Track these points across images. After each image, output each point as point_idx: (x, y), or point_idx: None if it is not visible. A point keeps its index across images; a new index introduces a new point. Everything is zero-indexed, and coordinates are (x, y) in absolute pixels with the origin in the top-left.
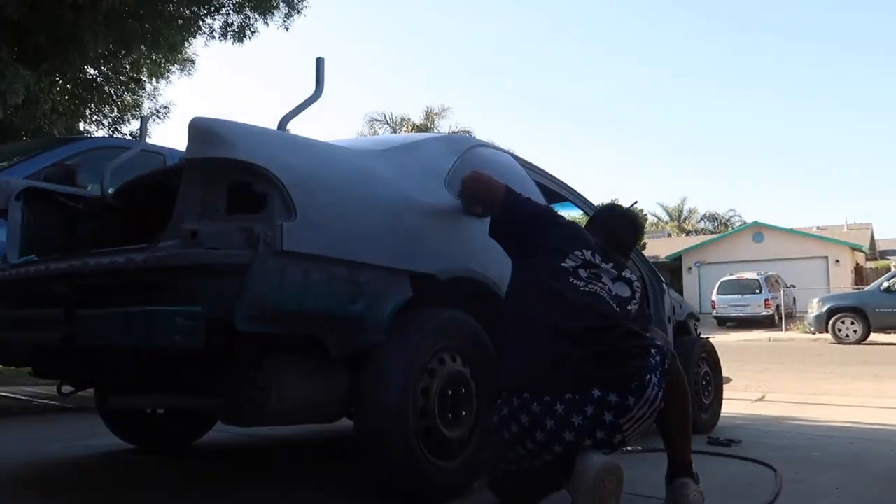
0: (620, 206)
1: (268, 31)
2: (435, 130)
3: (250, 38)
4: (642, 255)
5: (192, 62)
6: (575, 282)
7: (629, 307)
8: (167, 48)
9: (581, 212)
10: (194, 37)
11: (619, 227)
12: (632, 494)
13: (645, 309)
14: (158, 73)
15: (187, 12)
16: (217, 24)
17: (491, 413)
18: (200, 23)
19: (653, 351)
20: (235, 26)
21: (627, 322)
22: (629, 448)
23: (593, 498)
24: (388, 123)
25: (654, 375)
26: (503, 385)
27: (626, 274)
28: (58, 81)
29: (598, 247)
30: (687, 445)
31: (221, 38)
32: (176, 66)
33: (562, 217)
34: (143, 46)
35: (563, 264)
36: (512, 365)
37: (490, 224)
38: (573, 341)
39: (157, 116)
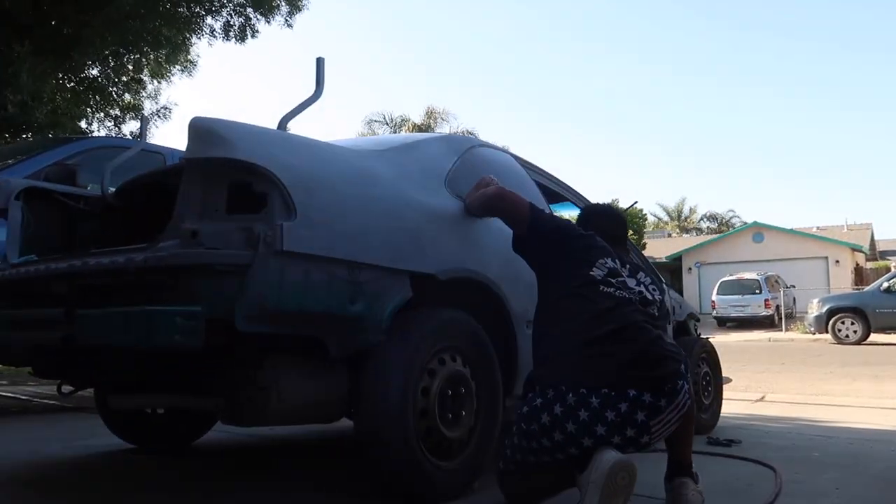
0: (599, 205)
1: (269, 30)
2: (437, 130)
3: (252, 36)
4: (642, 255)
5: (194, 63)
6: (606, 290)
7: (652, 309)
8: (169, 48)
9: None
10: (197, 37)
11: (609, 226)
12: (633, 495)
13: (666, 307)
14: (160, 73)
15: (187, 12)
16: (218, 25)
17: (521, 403)
18: (201, 23)
19: (682, 357)
20: (237, 26)
21: (656, 323)
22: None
23: (604, 491)
24: (387, 124)
25: (685, 382)
26: (538, 378)
27: (642, 277)
28: (60, 80)
29: (615, 254)
30: (689, 447)
31: (224, 38)
32: (177, 66)
33: (580, 229)
34: (145, 47)
35: (591, 273)
36: (549, 361)
37: (514, 240)
38: (612, 341)
39: (158, 116)
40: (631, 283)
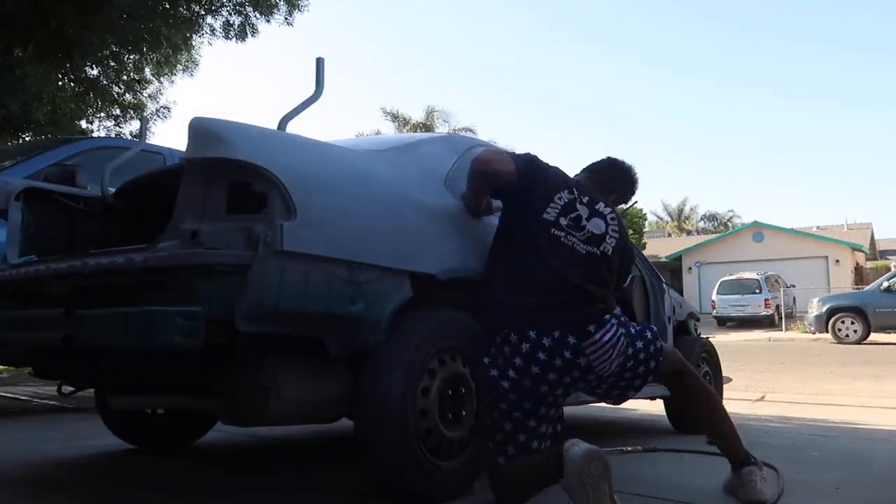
0: (622, 163)
1: (270, 29)
2: (438, 129)
3: (252, 35)
4: (642, 255)
5: (195, 63)
6: (556, 233)
7: (604, 246)
8: (168, 48)
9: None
10: (198, 36)
11: (619, 183)
12: (630, 494)
13: (626, 242)
14: (160, 72)
15: (186, 12)
16: (218, 24)
17: (480, 373)
18: (201, 22)
19: (625, 321)
20: (236, 26)
21: (604, 265)
22: (629, 448)
23: (585, 485)
24: (395, 120)
25: (614, 325)
26: (491, 328)
27: (600, 207)
28: (60, 81)
29: (575, 184)
30: (731, 443)
31: (224, 38)
32: (178, 65)
33: (541, 161)
34: (145, 47)
35: (545, 216)
36: (498, 308)
37: (504, 196)
38: (549, 291)
39: (158, 116)
40: (584, 218)
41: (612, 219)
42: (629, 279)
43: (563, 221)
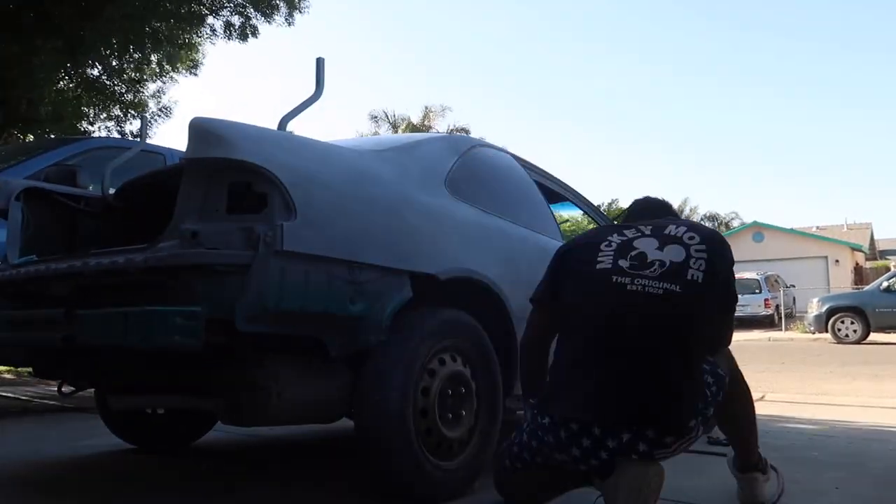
0: (642, 200)
1: (270, 30)
2: (433, 129)
3: (254, 35)
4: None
5: (197, 63)
6: (619, 280)
7: (689, 273)
8: (170, 48)
9: (581, 212)
10: (199, 36)
11: (649, 208)
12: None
13: (721, 254)
14: (162, 72)
15: (187, 12)
16: (219, 24)
17: (526, 414)
18: (202, 23)
19: (710, 381)
20: (237, 26)
21: (696, 301)
22: None
23: (639, 490)
24: (389, 122)
25: (699, 419)
26: (541, 406)
27: (672, 231)
28: (62, 79)
29: (625, 224)
30: (750, 444)
31: (225, 38)
32: (180, 65)
33: (568, 243)
34: (147, 47)
35: (598, 267)
36: (551, 389)
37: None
38: (621, 368)
39: (160, 115)
40: (651, 250)
41: (692, 237)
42: None
43: (624, 264)
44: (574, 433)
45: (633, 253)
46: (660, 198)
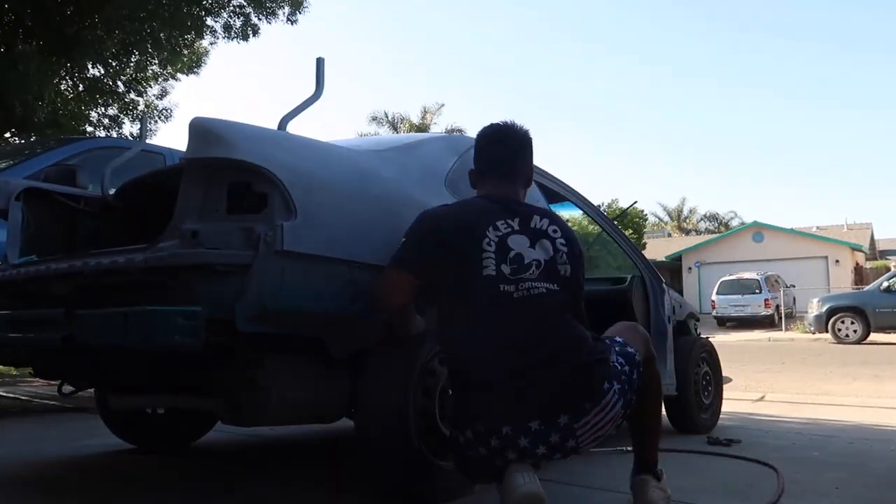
0: (483, 128)
1: (271, 30)
2: (432, 128)
3: (254, 34)
4: (642, 254)
5: (197, 63)
6: (505, 288)
7: (560, 269)
8: (170, 49)
9: (581, 212)
10: (199, 37)
11: (484, 151)
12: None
13: (578, 252)
14: (162, 73)
15: (187, 14)
16: (219, 26)
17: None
18: (202, 24)
19: (616, 358)
20: (237, 26)
21: (576, 293)
22: (629, 448)
23: None
24: (388, 122)
25: (614, 382)
26: (464, 424)
27: (537, 224)
28: (61, 80)
29: (491, 209)
30: (655, 446)
31: (226, 38)
32: (179, 65)
33: (440, 217)
34: (146, 47)
35: (485, 273)
36: (472, 407)
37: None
38: (531, 372)
39: (159, 117)
40: (524, 249)
41: (555, 231)
42: (629, 279)
43: (506, 269)
44: (505, 437)
45: (511, 255)
46: (503, 135)
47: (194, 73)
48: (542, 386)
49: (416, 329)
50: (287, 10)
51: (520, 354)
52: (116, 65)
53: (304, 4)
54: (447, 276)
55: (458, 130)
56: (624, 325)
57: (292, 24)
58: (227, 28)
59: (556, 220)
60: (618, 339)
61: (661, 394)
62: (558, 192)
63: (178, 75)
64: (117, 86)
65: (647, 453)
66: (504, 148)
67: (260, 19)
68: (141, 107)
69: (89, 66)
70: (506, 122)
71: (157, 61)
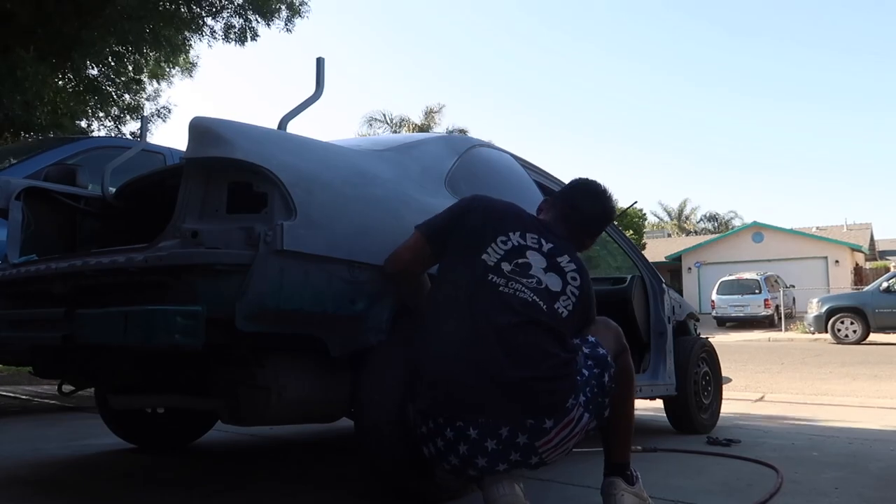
0: (586, 179)
1: (270, 33)
2: (434, 129)
3: (252, 39)
4: (642, 255)
5: (194, 64)
6: (494, 279)
7: (557, 305)
8: (169, 49)
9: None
10: (198, 38)
11: (578, 197)
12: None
13: (585, 309)
14: (160, 73)
15: (187, 14)
16: (219, 27)
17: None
18: (202, 24)
19: (585, 363)
20: (237, 28)
21: (555, 325)
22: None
23: None
24: (387, 123)
25: (579, 396)
26: (423, 410)
27: (563, 262)
28: (60, 81)
29: (534, 224)
30: (624, 445)
31: (224, 41)
32: (177, 66)
33: (483, 199)
34: (145, 48)
35: (482, 257)
36: (427, 387)
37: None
38: (491, 367)
39: (158, 116)
40: (536, 266)
41: (574, 278)
42: (629, 279)
43: (506, 267)
44: (450, 441)
45: (519, 261)
46: (594, 184)
47: (188, 74)
48: (501, 389)
49: (418, 300)
50: (285, 13)
51: (487, 349)
52: (116, 65)
53: (303, 10)
54: (453, 249)
55: (462, 131)
56: (595, 322)
57: (289, 31)
58: (227, 29)
59: (581, 271)
60: (590, 338)
61: (633, 389)
62: None
63: (174, 77)
64: (116, 86)
65: (616, 453)
66: (600, 209)
67: (258, 22)
68: (141, 105)
69: (88, 65)
70: (607, 191)
71: (154, 60)
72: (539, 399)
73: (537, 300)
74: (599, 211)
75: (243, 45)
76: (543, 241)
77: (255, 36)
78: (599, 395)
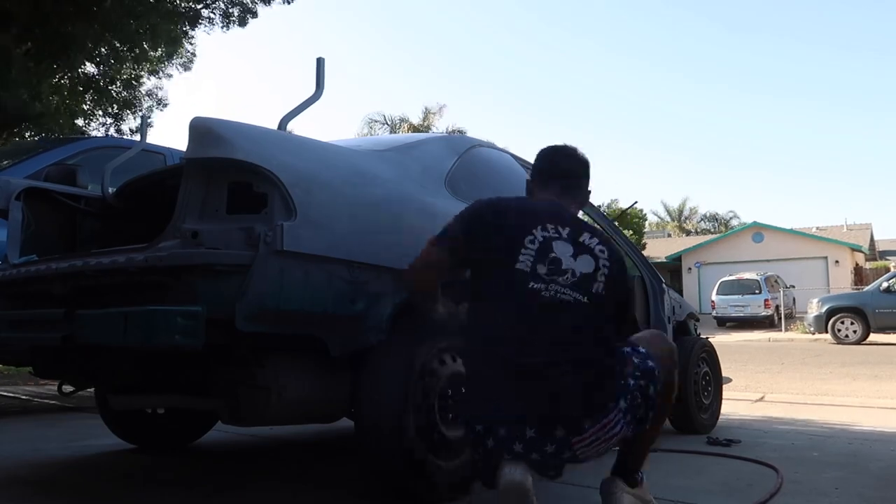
0: (548, 146)
1: (269, 27)
2: (433, 129)
3: (254, 17)
4: (642, 255)
5: (192, 56)
6: (534, 286)
7: (595, 287)
8: (166, 43)
9: (580, 211)
10: (194, 27)
11: (556, 157)
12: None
13: (621, 279)
14: (157, 68)
15: (184, 7)
16: (217, 15)
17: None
18: (199, 16)
19: (632, 372)
20: (235, 15)
21: (600, 311)
22: None
23: None
24: (387, 124)
25: (619, 401)
26: (466, 413)
27: (586, 240)
28: (57, 78)
29: (546, 211)
30: (642, 456)
31: (223, 27)
32: (175, 58)
33: (495, 204)
34: (144, 43)
35: (517, 267)
36: (474, 389)
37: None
38: (539, 379)
39: (156, 107)
40: (566, 259)
41: (602, 251)
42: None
43: (541, 269)
44: (500, 439)
45: (550, 256)
46: (573, 153)
47: (186, 68)
48: (544, 392)
49: (436, 312)
50: None
51: (531, 354)
52: (113, 62)
53: None
54: (482, 263)
55: (460, 131)
56: (651, 334)
57: (288, 3)
58: (225, 16)
59: (606, 241)
60: (641, 349)
61: (670, 408)
62: None
63: (172, 70)
64: (114, 83)
65: (631, 460)
66: (575, 162)
67: (256, 3)
68: (140, 100)
69: (85, 63)
70: (573, 145)
71: (150, 56)
72: (582, 397)
73: (578, 296)
74: (576, 160)
75: (244, 26)
76: (560, 228)
77: (254, 16)
78: (641, 406)
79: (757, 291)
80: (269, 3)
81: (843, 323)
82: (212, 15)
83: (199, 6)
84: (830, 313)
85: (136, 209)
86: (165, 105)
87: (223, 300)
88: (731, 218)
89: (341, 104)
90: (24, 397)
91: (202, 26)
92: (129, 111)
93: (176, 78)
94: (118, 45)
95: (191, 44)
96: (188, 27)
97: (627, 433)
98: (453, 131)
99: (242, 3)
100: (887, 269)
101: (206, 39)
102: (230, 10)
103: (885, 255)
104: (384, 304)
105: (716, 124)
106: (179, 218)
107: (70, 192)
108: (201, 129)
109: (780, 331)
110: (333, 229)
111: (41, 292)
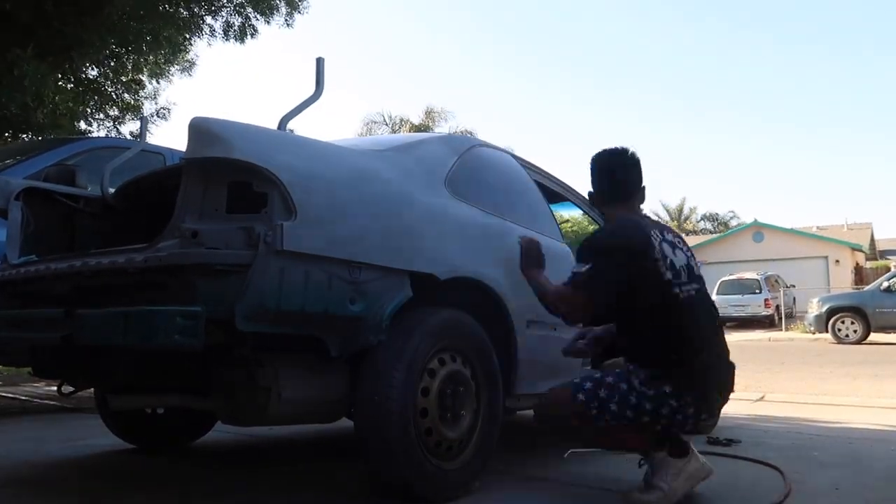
0: (600, 156)
1: (269, 32)
2: (435, 131)
3: (252, 36)
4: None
5: (193, 63)
6: (676, 291)
7: (695, 269)
8: (168, 49)
9: (581, 212)
10: (197, 37)
11: (617, 165)
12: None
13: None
14: (159, 73)
15: (186, 13)
16: (218, 25)
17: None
18: (201, 23)
19: None
20: (236, 26)
21: (704, 286)
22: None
23: (693, 479)
24: (386, 124)
25: None
26: (675, 380)
27: (668, 237)
28: (59, 81)
29: (646, 220)
30: None
31: (224, 39)
32: (176, 66)
33: (618, 229)
34: (144, 47)
35: (665, 279)
36: (687, 367)
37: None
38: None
39: (158, 116)
40: (671, 254)
41: (678, 240)
42: None
43: (669, 275)
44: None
45: (668, 261)
46: (620, 149)
47: (188, 73)
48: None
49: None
50: (284, 10)
51: (705, 346)
52: (114, 65)
53: (302, 6)
54: (639, 285)
55: (468, 132)
56: None
57: (289, 26)
58: (227, 27)
59: (672, 231)
60: None
61: None
62: (558, 192)
63: (173, 77)
64: (115, 86)
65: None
66: (640, 172)
67: (258, 19)
68: (141, 104)
69: (87, 66)
70: (627, 148)
71: (152, 60)
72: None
73: (696, 285)
74: (634, 168)
75: (243, 42)
76: (656, 232)
77: (254, 33)
78: None
79: (757, 291)
80: (269, 21)
81: (843, 322)
82: (213, 24)
83: (201, 12)
84: (831, 313)
85: (136, 209)
86: (167, 114)
87: (223, 300)
88: (730, 217)
89: (342, 104)
90: (23, 397)
91: (205, 35)
92: (130, 114)
93: (177, 84)
94: (119, 49)
95: (191, 51)
96: (189, 34)
97: None
98: (462, 132)
99: (244, 14)
100: (888, 269)
101: (208, 45)
102: (231, 21)
103: (885, 254)
104: (384, 305)
105: (716, 124)
106: (179, 218)
107: (69, 192)
108: (201, 129)
109: (781, 330)
110: (333, 229)
111: (40, 292)
